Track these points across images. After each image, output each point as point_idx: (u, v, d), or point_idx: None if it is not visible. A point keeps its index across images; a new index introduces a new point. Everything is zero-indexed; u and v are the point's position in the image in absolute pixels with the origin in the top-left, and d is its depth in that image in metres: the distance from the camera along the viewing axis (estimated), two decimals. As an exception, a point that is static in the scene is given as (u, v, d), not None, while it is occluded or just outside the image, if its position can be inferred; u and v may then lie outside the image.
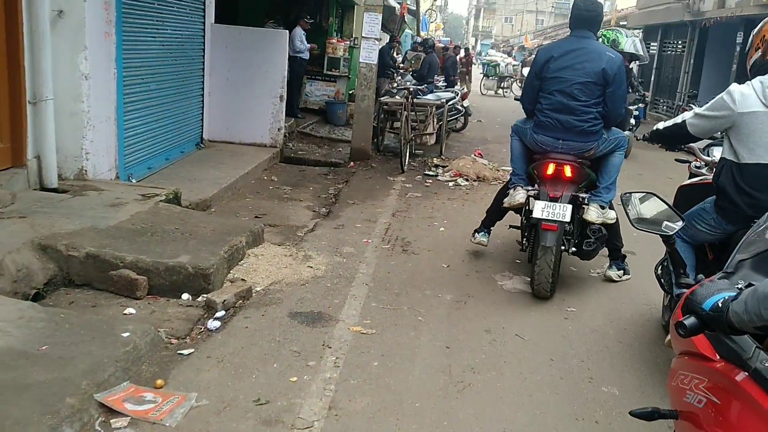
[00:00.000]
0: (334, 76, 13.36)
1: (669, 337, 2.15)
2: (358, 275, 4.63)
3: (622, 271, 4.95)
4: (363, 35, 9.37)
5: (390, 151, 10.17)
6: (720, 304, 1.35)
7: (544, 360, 3.56)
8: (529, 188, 4.66)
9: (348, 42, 14.04)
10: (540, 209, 4.31)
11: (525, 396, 3.16)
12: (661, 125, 3.64)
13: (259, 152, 8.59)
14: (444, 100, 10.56)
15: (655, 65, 21.06)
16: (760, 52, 3.22)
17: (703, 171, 4.28)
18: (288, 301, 4.05)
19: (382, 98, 9.98)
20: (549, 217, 4.26)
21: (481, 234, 5.23)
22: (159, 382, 2.95)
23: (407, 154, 8.88)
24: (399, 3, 20.48)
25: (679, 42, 19.99)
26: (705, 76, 17.65)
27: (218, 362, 3.21)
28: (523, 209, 4.79)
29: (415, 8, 27.77)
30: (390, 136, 10.61)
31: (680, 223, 2.61)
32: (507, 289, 4.64)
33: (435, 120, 10.02)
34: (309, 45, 12.12)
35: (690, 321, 1.40)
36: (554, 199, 4.36)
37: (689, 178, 4.42)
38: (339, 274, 4.61)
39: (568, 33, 4.79)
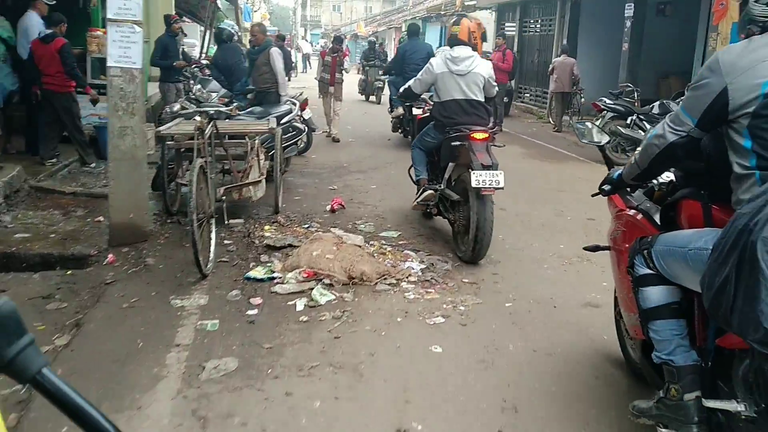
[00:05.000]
0: (104, 87, 8.77)
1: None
2: None
3: None
4: (110, 17, 5.08)
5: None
6: (620, 172, 2.65)
7: None
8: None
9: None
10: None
11: None
12: (401, 88, 5.83)
13: None
14: (274, 119, 6.52)
15: (516, 49, 18.22)
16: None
17: (427, 109, 6.14)
18: None
19: (161, 129, 5.67)
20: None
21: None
22: None
23: (211, 238, 4.72)
24: (207, -17, 16.06)
25: (545, 20, 17.26)
26: (584, 58, 14.90)
27: None
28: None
29: (231, -8, 23.26)
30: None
31: (606, 137, 3.38)
32: None
33: (261, 158, 5.94)
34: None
35: (607, 187, 2.76)
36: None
37: (423, 113, 6.43)
38: None
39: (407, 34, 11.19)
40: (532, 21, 18.42)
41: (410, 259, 4.82)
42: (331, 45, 11.87)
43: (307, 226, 5.73)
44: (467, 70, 5.17)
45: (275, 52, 7.65)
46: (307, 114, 9.36)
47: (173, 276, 4.49)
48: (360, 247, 4.71)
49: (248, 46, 16.24)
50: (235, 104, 6.10)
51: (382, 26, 42.45)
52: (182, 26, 19.74)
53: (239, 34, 22.40)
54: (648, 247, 2.33)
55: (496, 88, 5.55)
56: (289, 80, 21.12)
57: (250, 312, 3.89)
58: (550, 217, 6.45)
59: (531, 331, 3.71)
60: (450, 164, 5.24)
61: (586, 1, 15.03)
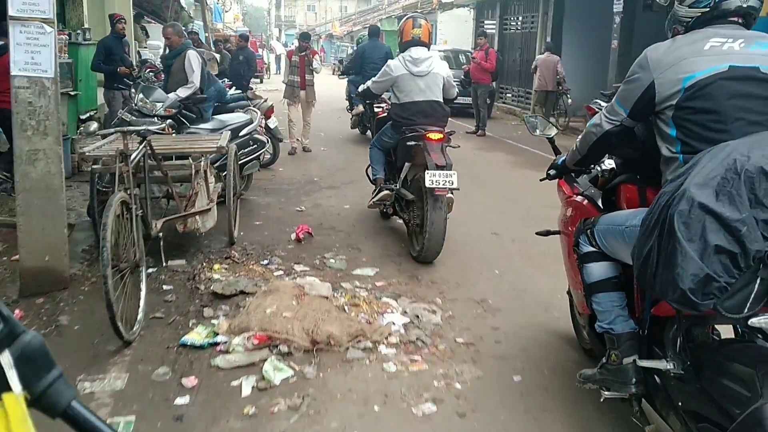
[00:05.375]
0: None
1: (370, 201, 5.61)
2: None
3: None
4: (12, 14, 4.11)
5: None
6: (564, 158, 2.88)
7: None
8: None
9: (66, 36, 8.35)
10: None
11: None
12: (360, 88, 5.91)
13: None
14: (228, 133, 5.57)
15: (496, 47, 17.38)
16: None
17: (385, 108, 6.00)
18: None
19: (85, 149, 4.64)
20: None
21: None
22: None
23: (141, 290, 3.76)
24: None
25: (527, 17, 16.45)
26: (569, 57, 14.10)
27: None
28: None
29: (197, -9, 22.23)
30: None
31: (555, 130, 3.48)
32: None
33: (211, 181, 4.99)
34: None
35: (552, 171, 3.02)
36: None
37: (382, 112, 6.11)
38: None
39: (367, 35, 10.89)
40: (512, 18, 17.62)
41: (390, 310, 3.90)
42: (297, 43, 10.71)
43: (266, 262, 4.79)
44: (428, 71, 5.24)
45: (192, 56, 6.57)
46: (272, 123, 8.42)
47: (89, 342, 3.52)
48: (327, 298, 3.78)
49: (212, 48, 15.22)
50: (168, 122, 5.09)
51: (357, 26, 41.53)
52: (146, 27, 18.75)
53: (206, 35, 21.30)
54: (591, 227, 2.54)
55: (456, 89, 5.61)
56: (261, 82, 19.90)
57: (179, 401, 2.94)
58: (551, 243, 5.54)
59: (552, 425, 2.81)
60: (406, 164, 5.30)
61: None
